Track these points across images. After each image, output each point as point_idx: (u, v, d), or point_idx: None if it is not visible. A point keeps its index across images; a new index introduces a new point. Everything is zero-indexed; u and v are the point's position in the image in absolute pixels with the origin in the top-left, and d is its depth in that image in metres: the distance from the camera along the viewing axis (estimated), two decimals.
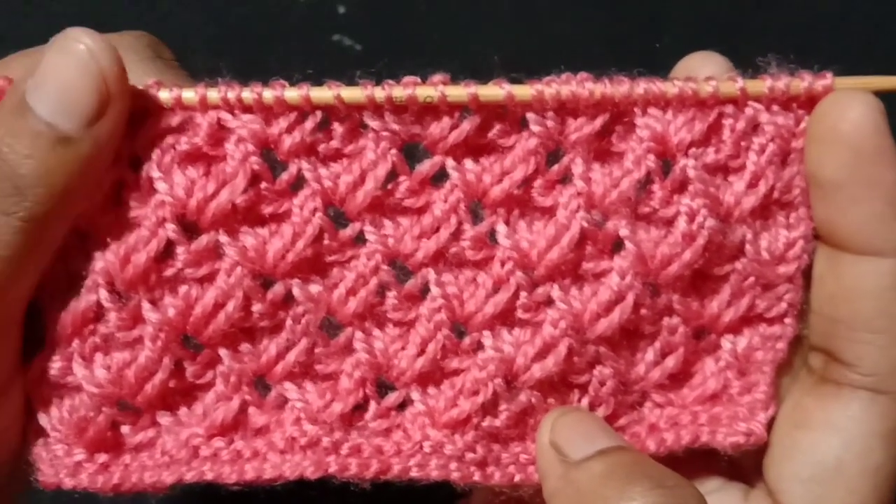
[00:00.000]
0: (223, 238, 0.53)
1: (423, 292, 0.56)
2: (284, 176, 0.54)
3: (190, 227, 0.54)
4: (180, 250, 0.53)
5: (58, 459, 0.54)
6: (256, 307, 0.55)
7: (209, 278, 0.54)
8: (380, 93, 0.52)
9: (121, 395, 0.54)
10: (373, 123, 0.54)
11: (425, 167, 0.55)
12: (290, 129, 0.53)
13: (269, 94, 0.52)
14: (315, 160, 0.54)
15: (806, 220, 0.56)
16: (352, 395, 0.56)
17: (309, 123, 0.53)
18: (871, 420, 0.53)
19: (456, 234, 0.56)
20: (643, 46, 0.92)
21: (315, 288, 0.55)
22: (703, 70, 0.56)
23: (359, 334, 0.56)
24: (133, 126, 0.52)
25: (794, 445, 0.56)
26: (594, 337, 0.56)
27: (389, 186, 0.55)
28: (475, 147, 0.55)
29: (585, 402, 0.58)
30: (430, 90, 0.52)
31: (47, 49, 0.49)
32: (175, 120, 0.52)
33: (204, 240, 0.53)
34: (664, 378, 0.58)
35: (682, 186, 0.55)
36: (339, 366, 0.57)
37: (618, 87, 0.54)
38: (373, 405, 0.57)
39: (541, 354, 0.56)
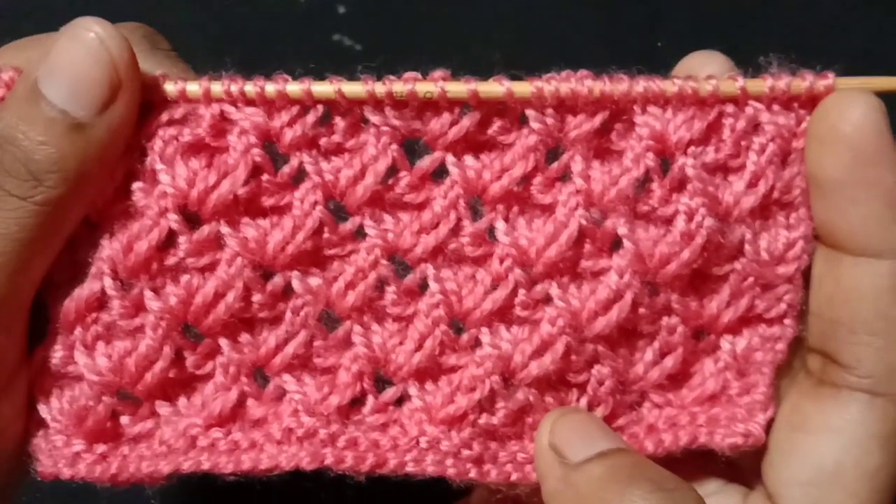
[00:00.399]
0: (224, 229, 0.54)
1: (422, 288, 0.56)
2: (286, 169, 0.55)
3: (192, 218, 0.54)
4: (182, 240, 0.54)
5: (56, 450, 0.55)
6: (256, 298, 0.55)
7: (210, 268, 0.55)
8: (380, 88, 0.53)
9: (121, 384, 0.55)
10: (374, 118, 0.54)
11: (425, 163, 0.56)
12: (291, 123, 0.54)
13: (271, 88, 0.53)
14: (316, 154, 0.55)
15: (806, 221, 0.56)
16: (349, 388, 0.56)
17: (310, 117, 0.54)
18: (869, 422, 0.53)
19: (455, 230, 0.56)
20: (643, 46, 0.92)
21: (314, 281, 0.56)
22: (705, 69, 0.56)
23: (357, 328, 0.56)
24: (140, 117, 0.52)
25: (793, 448, 0.55)
26: (592, 335, 0.56)
27: (390, 181, 0.56)
28: (475, 143, 0.55)
29: (584, 401, 0.58)
30: (431, 86, 0.53)
31: (58, 37, 0.50)
32: (179, 112, 0.53)
33: (205, 230, 0.54)
34: (663, 378, 0.58)
35: (681, 185, 0.55)
36: (337, 359, 0.57)
37: (617, 85, 0.54)
38: (370, 399, 0.57)
39: (538, 352, 0.56)
